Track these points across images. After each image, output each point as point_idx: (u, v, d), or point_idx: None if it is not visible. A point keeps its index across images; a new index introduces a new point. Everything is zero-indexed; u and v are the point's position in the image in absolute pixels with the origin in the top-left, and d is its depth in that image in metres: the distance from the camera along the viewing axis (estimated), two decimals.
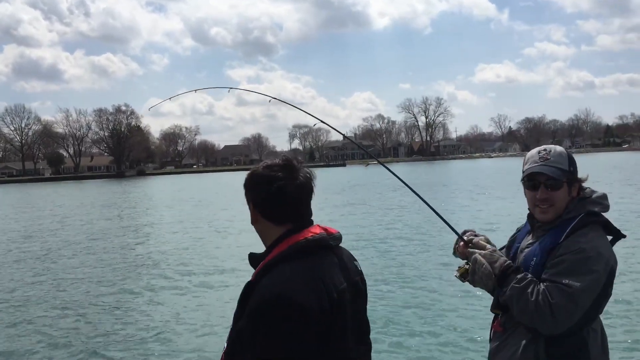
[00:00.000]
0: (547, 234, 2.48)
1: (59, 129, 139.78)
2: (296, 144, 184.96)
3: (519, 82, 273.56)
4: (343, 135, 3.46)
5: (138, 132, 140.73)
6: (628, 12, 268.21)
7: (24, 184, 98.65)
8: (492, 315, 2.68)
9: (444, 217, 2.72)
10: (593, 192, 2.54)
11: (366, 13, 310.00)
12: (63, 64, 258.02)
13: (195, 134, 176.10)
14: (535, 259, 2.45)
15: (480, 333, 7.04)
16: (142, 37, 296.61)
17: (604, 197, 2.53)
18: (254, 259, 1.92)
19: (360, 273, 2.04)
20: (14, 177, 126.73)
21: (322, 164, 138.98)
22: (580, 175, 2.54)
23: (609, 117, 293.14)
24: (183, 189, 54.28)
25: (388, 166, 2.99)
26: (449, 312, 8.39)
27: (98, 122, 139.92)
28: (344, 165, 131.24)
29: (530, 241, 2.57)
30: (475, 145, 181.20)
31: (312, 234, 1.86)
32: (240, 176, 2.00)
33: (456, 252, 2.71)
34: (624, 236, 2.52)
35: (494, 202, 24.74)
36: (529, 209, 2.60)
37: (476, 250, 2.53)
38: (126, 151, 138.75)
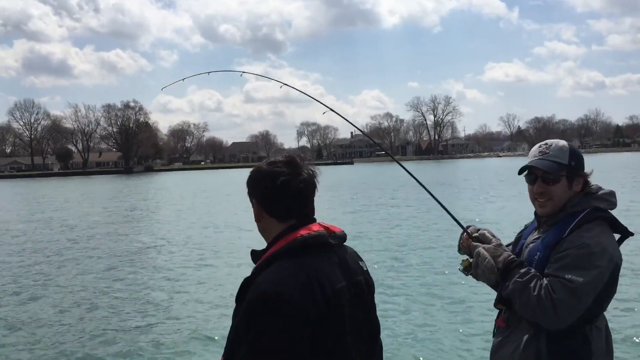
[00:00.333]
0: (551, 229, 2.47)
1: (68, 125, 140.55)
2: (304, 141, 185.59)
3: (528, 81, 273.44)
4: (353, 125, 3.44)
5: (146, 128, 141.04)
6: None
7: (32, 179, 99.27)
8: (496, 311, 2.67)
9: (450, 211, 2.73)
10: (600, 188, 2.51)
11: (375, 11, 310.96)
12: (72, 60, 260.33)
13: (204, 131, 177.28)
14: (539, 253, 2.43)
15: (487, 328, 7.03)
16: (151, 34, 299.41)
17: (611, 194, 2.49)
18: (255, 255, 1.93)
19: (366, 273, 2.01)
20: (23, 172, 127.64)
21: (329, 161, 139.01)
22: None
23: (619, 118, 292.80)
24: (191, 185, 54.45)
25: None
26: (455, 305, 8.44)
27: (107, 118, 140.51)
28: (351, 163, 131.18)
29: (536, 236, 2.56)
30: (483, 145, 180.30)
31: (309, 232, 1.84)
32: (248, 173, 1.99)
33: (461, 249, 2.70)
34: (632, 234, 2.47)
35: (500, 201, 24.64)
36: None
37: (479, 244, 2.53)
38: (134, 147, 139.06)
